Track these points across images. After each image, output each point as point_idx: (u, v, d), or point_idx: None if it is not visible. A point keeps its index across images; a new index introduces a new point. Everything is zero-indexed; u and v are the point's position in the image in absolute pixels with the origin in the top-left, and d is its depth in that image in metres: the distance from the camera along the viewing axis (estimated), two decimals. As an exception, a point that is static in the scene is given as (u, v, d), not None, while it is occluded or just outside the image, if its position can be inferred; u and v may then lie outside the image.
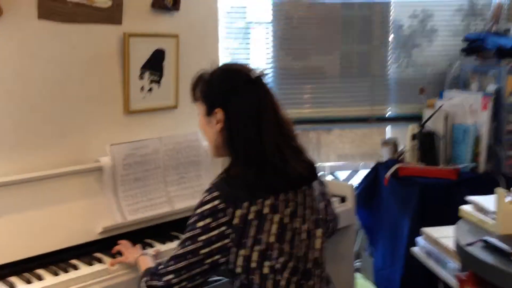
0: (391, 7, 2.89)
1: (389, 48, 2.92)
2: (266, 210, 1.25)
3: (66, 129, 1.89)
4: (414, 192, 2.40)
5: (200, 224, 1.24)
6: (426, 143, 2.56)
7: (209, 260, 1.25)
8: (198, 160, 2.11)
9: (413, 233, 2.30)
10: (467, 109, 2.54)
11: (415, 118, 2.81)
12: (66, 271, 1.54)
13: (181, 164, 2.06)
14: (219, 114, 1.31)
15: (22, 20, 1.72)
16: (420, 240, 1.85)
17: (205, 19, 2.30)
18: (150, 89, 2.10)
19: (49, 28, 1.79)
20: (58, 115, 1.86)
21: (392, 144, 2.75)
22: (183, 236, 1.29)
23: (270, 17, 2.78)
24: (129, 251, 1.58)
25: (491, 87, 2.49)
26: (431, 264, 1.74)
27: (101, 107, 1.97)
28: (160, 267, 1.31)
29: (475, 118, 2.51)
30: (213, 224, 1.23)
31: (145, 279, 1.34)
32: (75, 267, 1.57)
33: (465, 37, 2.78)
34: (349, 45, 2.88)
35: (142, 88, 2.08)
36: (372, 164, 2.77)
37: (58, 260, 1.62)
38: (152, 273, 1.33)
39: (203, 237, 1.24)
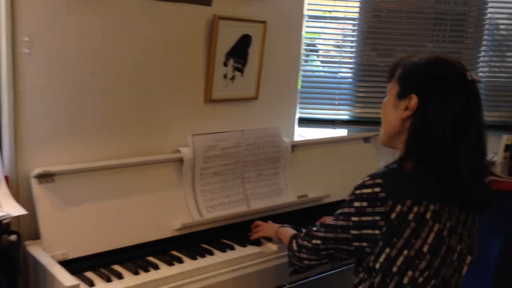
0: (489, 4, 2.65)
1: (481, 49, 2.68)
2: (428, 215, 1.13)
3: (146, 115, 1.76)
4: (508, 210, 2.18)
5: (357, 204, 1.18)
6: (522, 156, 2.33)
7: (356, 244, 1.19)
8: (277, 157, 1.95)
9: (503, 255, 2.11)
10: None
11: (506, 127, 2.60)
12: (146, 270, 1.42)
13: (260, 160, 1.91)
14: (413, 100, 1.18)
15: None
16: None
17: (292, 7, 2.14)
18: (232, 77, 1.96)
19: (141, 4, 1.66)
20: (139, 99, 1.74)
21: (479, 154, 2.51)
22: (339, 209, 1.23)
23: (356, 9, 2.59)
24: (266, 226, 1.68)
25: None
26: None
27: (183, 93, 1.84)
28: (313, 228, 1.30)
29: None
30: (369, 210, 1.16)
31: (296, 239, 1.35)
32: (155, 267, 1.44)
33: None
34: (439, 43, 2.66)
35: (225, 76, 1.93)
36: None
37: (134, 256, 1.50)
38: (304, 233, 1.33)
39: (356, 218, 1.18)
